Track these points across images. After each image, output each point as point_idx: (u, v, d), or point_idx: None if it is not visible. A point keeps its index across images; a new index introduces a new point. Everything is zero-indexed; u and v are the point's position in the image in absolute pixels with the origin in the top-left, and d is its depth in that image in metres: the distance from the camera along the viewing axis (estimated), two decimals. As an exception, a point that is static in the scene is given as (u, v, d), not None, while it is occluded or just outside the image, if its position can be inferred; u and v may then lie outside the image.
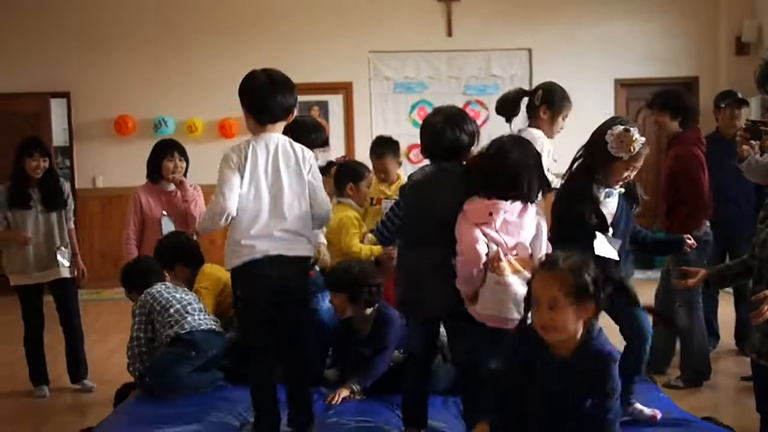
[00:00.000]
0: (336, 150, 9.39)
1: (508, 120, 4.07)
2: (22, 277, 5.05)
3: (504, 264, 2.66)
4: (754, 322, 2.75)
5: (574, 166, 3.13)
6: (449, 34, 9.36)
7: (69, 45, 9.06)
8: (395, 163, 4.85)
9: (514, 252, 2.71)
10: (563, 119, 4.03)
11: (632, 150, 2.92)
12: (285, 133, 3.31)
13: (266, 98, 3.17)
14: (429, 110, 7.97)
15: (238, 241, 3.12)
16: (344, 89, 9.36)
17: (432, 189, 2.98)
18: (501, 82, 9.31)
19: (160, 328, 3.82)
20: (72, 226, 5.29)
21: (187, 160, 4.95)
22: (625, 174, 3.03)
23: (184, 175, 4.92)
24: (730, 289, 5.45)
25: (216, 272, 4.32)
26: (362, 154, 6.40)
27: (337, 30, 9.16)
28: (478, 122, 8.92)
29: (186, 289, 4.12)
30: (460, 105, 8.23)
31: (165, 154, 4.87)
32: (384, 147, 4.80)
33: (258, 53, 9.25)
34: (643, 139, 2.98)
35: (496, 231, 2.69)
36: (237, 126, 8.90)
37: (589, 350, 2.32)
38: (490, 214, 2.68)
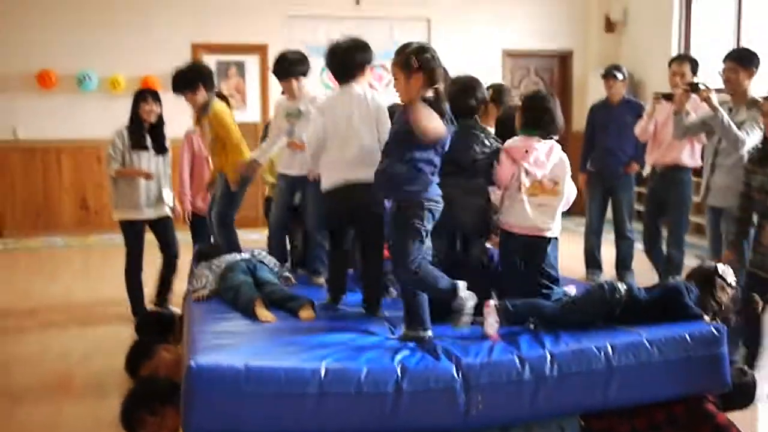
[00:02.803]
0: (252, 109, 10.06)
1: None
2: (132, 212, 5.61)
3: (524, 186, 3.51)
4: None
5: None
6: (357, 2, 10.17)
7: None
8: None
9: (541, 180, 3.54)
10: None
11: None
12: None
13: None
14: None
15: None
16: (260, 50, 9.96)
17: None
18: (403, 48, 10.19)
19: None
20: (170, 171, 5.84)
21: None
22: None
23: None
24: (611, 230, 6.66)
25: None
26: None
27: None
28: (383, 83, 9.91)
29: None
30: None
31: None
32: None
33: (178, 12, 9.74)
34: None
35: (530, 164, 3.54)
36: (159, 83, 9.32)
37: None
38: (526, 151, 3.54)
